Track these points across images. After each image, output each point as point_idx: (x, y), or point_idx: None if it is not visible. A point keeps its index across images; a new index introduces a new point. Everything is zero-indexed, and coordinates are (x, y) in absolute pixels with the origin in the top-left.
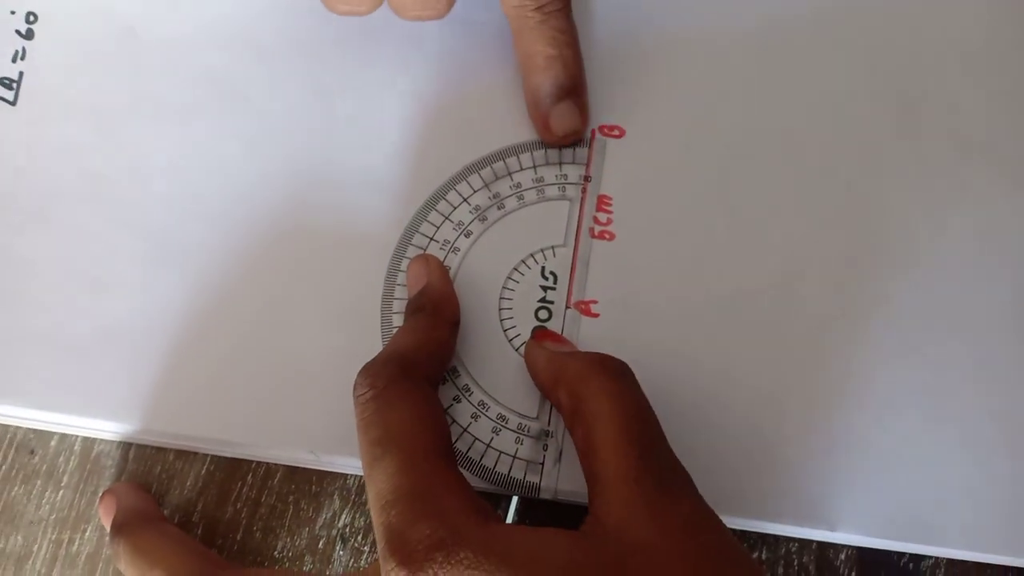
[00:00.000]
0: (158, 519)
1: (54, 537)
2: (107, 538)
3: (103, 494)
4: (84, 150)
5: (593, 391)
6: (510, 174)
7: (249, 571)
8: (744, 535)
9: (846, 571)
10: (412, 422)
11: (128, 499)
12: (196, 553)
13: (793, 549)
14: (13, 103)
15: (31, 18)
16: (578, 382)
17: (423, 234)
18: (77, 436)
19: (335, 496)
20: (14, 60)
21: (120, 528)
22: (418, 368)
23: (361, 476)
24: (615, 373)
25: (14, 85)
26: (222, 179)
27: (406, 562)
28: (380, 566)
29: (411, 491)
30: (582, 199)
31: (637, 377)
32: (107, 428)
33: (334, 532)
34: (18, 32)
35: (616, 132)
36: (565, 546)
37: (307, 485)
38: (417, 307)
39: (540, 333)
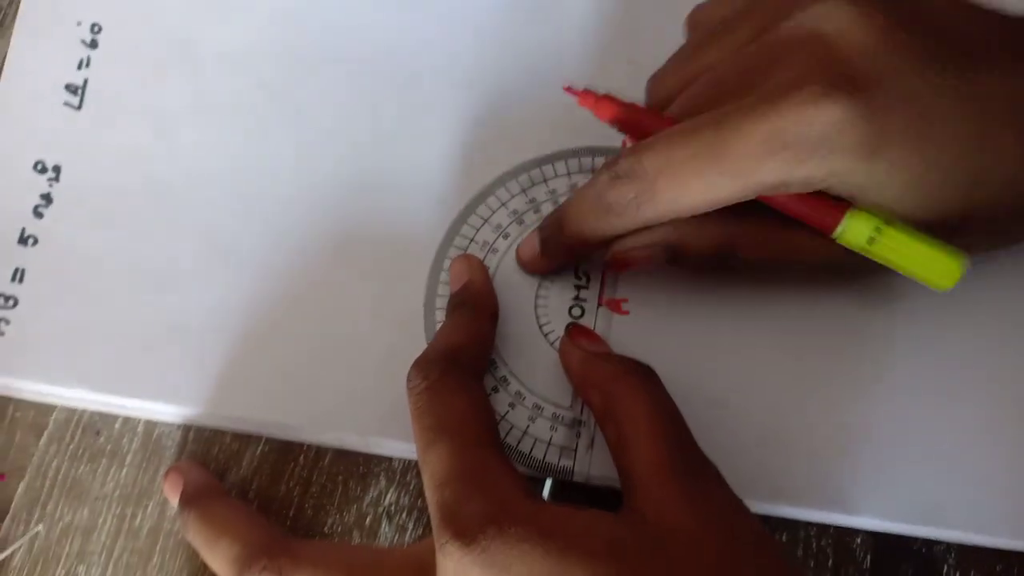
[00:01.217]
0: (224, 493)
1: (118, 512)
2: (176, 510)
3: (168, 470)
4: (145, 154)
5: (624, 392)
6: (546, 180)
7: (312, 542)
8: (765, 519)
9: (862, 555)
10: (463, 411)
11: (194, 475)
12: (262, 524)
13: (812, 533)
14: (78, 108)
15: (95, 28)
16: (608, 383)
17: (464, 236)
18: (140, 419)
19: (381, 477)
20: (79, 67)
21: (189, 500)
22: (465, 361)
23: (406, 459)
24: (644, 376)
25: (79, 91)
26: (276, 183)
27: (459, 535)
28: (433, 541)
29: (463, 472)
30: None
31: (666, 369)
32: (169, 411)
33: (380, 510)
34: (83, 41)
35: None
36: (608, 524)
37: (355, 466)
38: (460, 302)
39: (575, 330)
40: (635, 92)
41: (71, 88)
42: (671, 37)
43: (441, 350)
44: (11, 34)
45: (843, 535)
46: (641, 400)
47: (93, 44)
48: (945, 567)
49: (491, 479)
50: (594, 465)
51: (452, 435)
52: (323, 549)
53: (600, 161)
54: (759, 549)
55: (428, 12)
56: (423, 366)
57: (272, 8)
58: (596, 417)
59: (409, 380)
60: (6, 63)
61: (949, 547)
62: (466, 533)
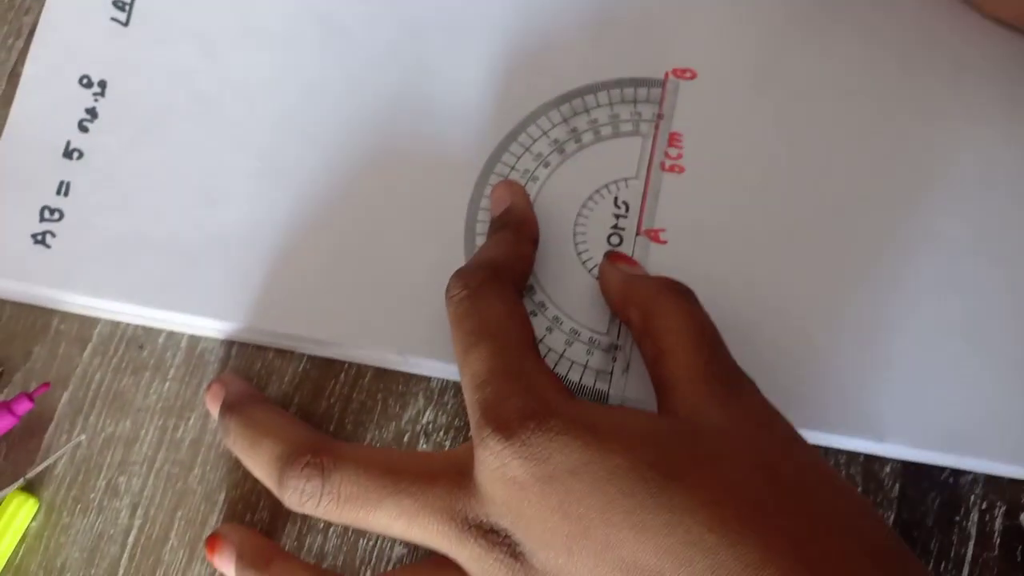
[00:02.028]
0: (265, 399)
1: (160, 423)
2: (218, 417)
3: (211, 382)
4: (192, 72)
5: (663, 308)
6: (587, 110)
7: (354, 444)
8: None
9: (890, 483)
10: (503, 316)
11: (236, 384)
12: (303, 425)
13: (841, 461)
14: (125, 24)
15: None
16: (649, 301)
17: (505, 163)
18: (184, 333)
19: (419, 396)
20: None
21: (231, 406)
22: (506, 274)
23: (444, 379)
24: (682, 293)
25: (126, 7)
26: (322, 104)
27: (501, 429)
28: (471, 444)
29: (504, 371)
30: (655, 135)
31: (701, 298)
32: (212, 326)
33: (418, 428)
34: None
35: (688, 74)
36: (645, 419)
37: (394, 385)
38: (502, 224)
39: (614, 255)
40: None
41: (119, 4)
42: None
43: (482, 262)
44: None
45: (871, 463)
46: (679, 314)
47: None
48: (972, 497)
49: (531, 378)
50: (629, 388)
51: (493, 337)
52: (364, 449)
53: (643, 92)
54: (794, 447)
55: None
56: (464, 275)
57: None
58: (634, 334)
59: (449, 290)
60: None
61: (976, 477)
62: (507, 427)
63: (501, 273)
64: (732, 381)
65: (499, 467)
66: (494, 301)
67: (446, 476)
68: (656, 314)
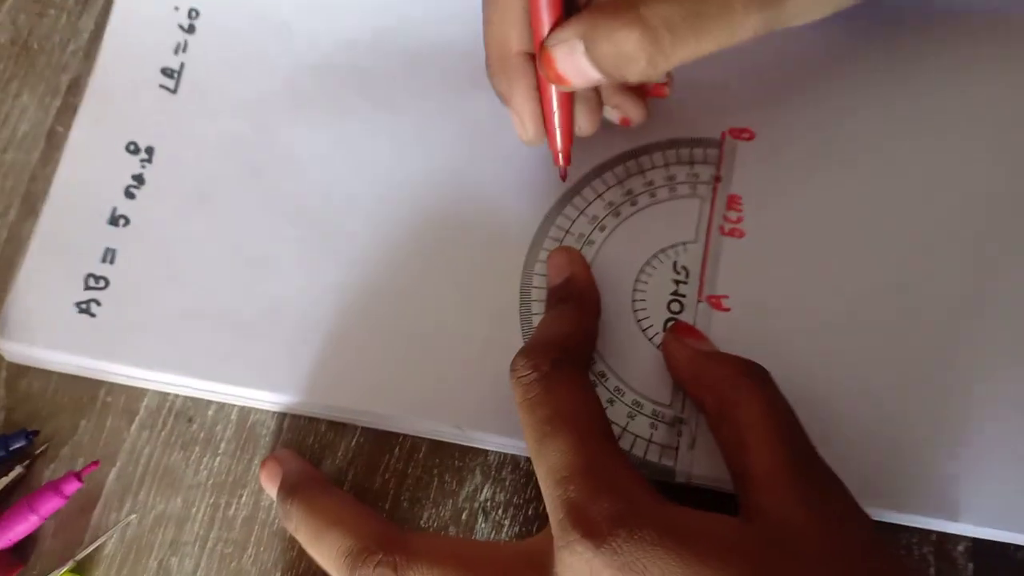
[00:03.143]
0: (328, 483)
1: (212, 501)
2: (275, 500)
3: (265, 459)
4: (241, 140)
5: (743, 396)
6: (643, 172)
7: (424, 535)
8: None
9: (964, 562)
10: (580, 403)
11: (294, 463)
12: (371, 515)
13: (914, 540)
14: (174, 91)
15: (193, 14)
16: (725, 386)
17: (559, 227)
18: (234, 405)
19: (477, 471)
20: (176, 52)
21: (293, 489)
22: (575, 354)
23: (502, 452)
24: (762, 380)
25: (175, 75)
26: (371, 172)
27: (590, 535)
28: (547, 537)
29: (587, 467)
30: (713, 198)
31: (766, 366)
32: (265, 399)
33: (476, 505)
34: (180, 26)
35: (746, 135)
36: (734, 528)
37: (450, 459)
38: (564, 296)
39: (680, 327)
40: None
41: (168, 72)
42: None
43: (550, 340)
44: (110, 12)
45: (944, 542)
46: (759, 403)
47: (190, 29)
48: None
49: (616, 476)
50: (696, 465)
51: (571, 427)
52: (436, 543)
53: (699, 153)
54: (882, 563)
55: None
56: (532, 355)
57: (369, 2)
58: (708, 419)
59: (516, 369)
60: (104, 42)
61: None
62: (597, 533)
63: (571, 353)
64: (819, 479)
65: (588, 575)
66: (568, 386)
67: (522, 574)
68: (734, 401)
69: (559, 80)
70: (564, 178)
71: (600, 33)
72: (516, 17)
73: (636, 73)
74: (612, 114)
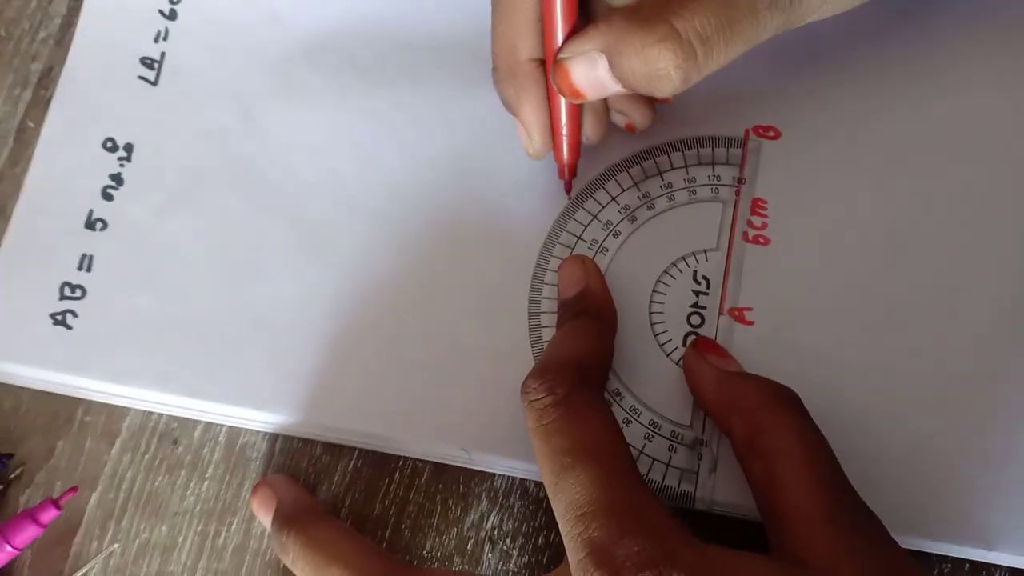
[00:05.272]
0: (326, 513)
1: (199, 528)
2: (268, 530)
3: (257, 485)
4: (227, 136)
5: (773, 425)
6: (660, 173)
7: (429, 571)
8: None
9: None
10: (600, 431)
11: (288, 491)
12: (375, 551)
13: (946, 570)
14: (154, 83)
15: None
16: (754, 413)
17: (570, 233)
18: (222, 426)
19: (483, 497)
20: (156, 40)
21: (289, 520)
22: (592, 375)
23: (509, 476)
24: (793, 406)
25: (155, 65)
26: (370, 169)
27: None
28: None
29: (612, 505)
30: (736, 202)
31: (791, 384)
32: (255, 418)
33: (482, 534)
34: (161, 12)
35: (771, 133)
36: (772, 571)
37: (455, 484)
38: (580, 311)
39: (702, 343)
40: None
41: (147, 62)
42: None
43: (565, 360)
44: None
45: (978, 570)
46: (793, 435)
47: (172, 15)
48: None
49: (645, 515)
50: (718, 491)
51: (592, 459)
52: None
53: (721, 153)
54: None
55: None
56: (547, 377)
57: None
58: (735, 447)
59: (528, 392)
60: (77, 28)
61: None
62: None
63: (589, 376)
64: (861, 522)
65: None
66: (588, 414)
67: None
68: (764, 429)
69: (575, 95)
70: (569, 192)
71: (629, 48)
72: (527, 22)
73: (668, 90)
74: (617, 119)
